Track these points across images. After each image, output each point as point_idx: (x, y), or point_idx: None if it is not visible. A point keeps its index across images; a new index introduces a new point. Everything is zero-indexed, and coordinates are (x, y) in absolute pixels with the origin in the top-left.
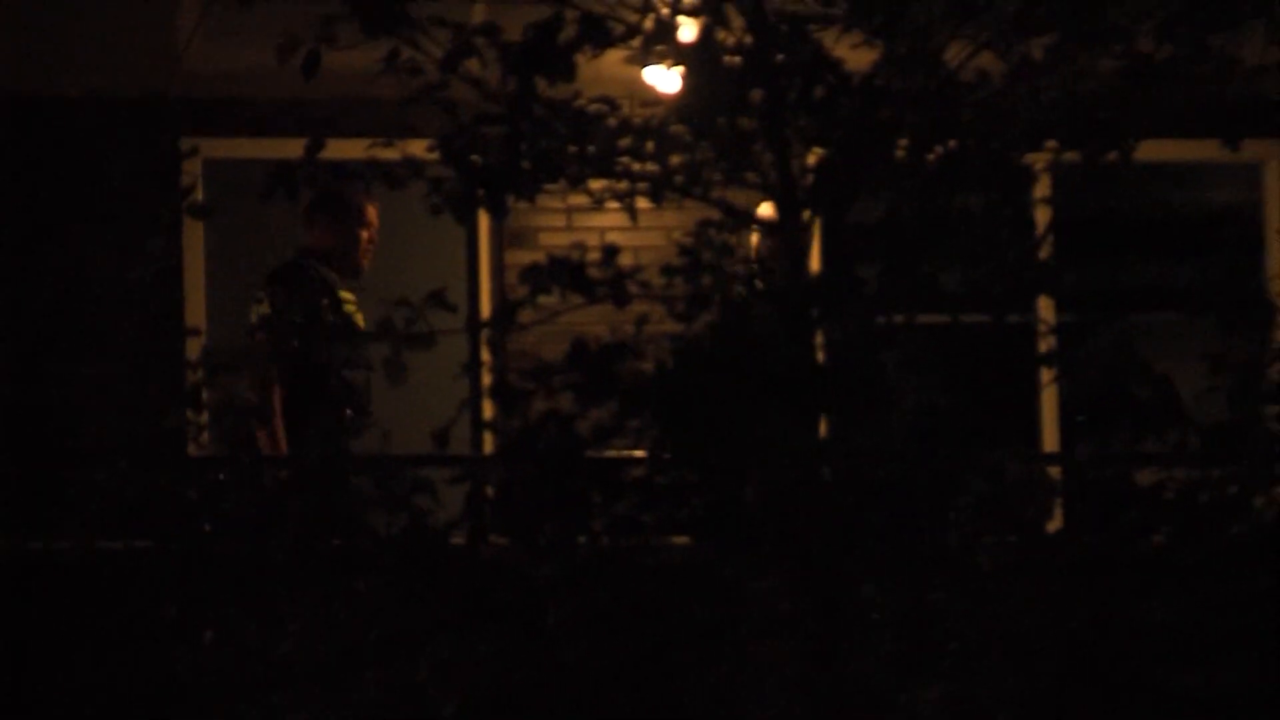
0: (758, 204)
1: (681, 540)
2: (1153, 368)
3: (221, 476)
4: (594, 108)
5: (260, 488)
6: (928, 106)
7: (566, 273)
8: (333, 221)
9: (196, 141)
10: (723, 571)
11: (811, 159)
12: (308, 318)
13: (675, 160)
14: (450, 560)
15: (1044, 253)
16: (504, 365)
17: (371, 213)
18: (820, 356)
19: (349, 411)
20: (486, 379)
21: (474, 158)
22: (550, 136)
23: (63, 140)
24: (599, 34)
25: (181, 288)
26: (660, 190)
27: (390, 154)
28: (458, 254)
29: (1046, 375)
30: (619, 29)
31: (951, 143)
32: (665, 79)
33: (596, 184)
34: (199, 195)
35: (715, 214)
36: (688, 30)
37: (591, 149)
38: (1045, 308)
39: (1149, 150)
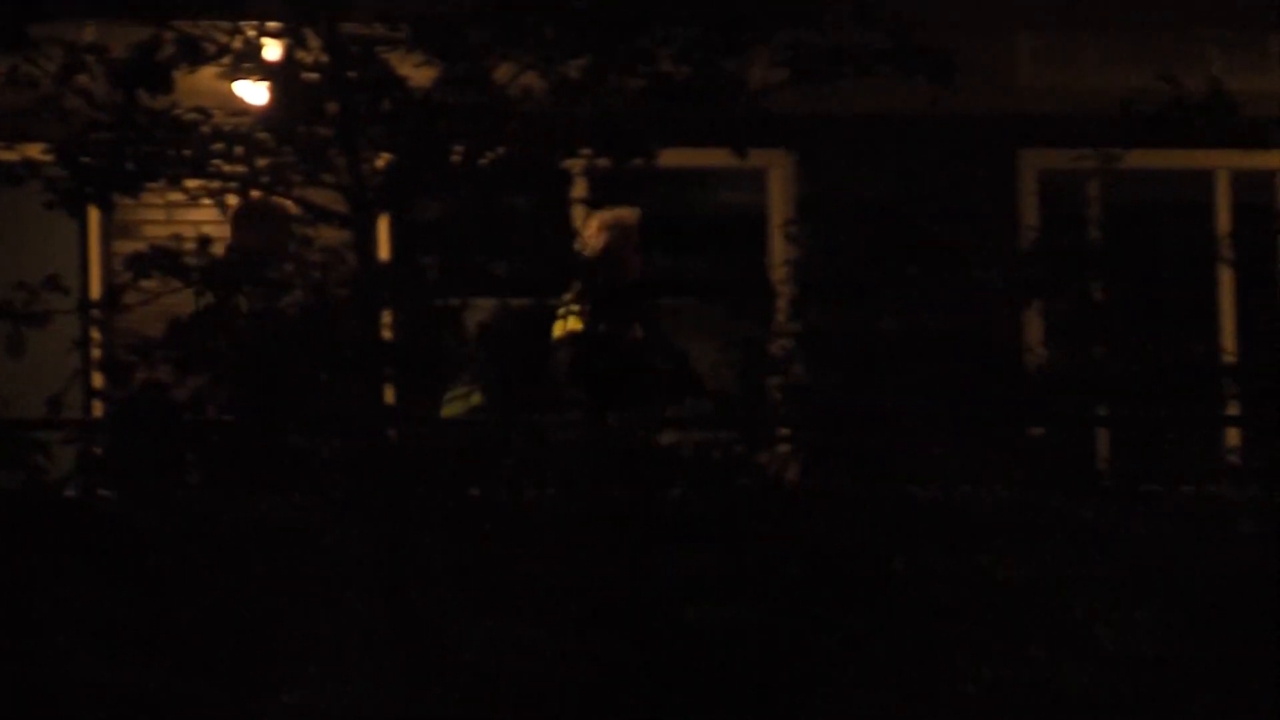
0: (335, 203)
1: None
2: (673, 344)
3: None
4: (190, 116)
5: None
6: (480, 119)
7: (166, 260)
8: None
9: None
10: (305, 522)
11: (380, 163)
12: None
13: (261, 163)
14: (64, 511)
15: (578, 244)
16: (111, 341)
17: None
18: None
19: None
20: (96, 353)
21: (85, 160)
22: (151, 142)
23: None
24: (194, 53)
25: None
26: (248, 188)
27: (10, 156)
28: (70, 244)
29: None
30: (212, 48)
31: (500, 150)
32: (253, 92)
33: (192, 183)
34: None
35: (296, 210)
36: (272, 50)
37: (188, 152)
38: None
39: (670, 157)
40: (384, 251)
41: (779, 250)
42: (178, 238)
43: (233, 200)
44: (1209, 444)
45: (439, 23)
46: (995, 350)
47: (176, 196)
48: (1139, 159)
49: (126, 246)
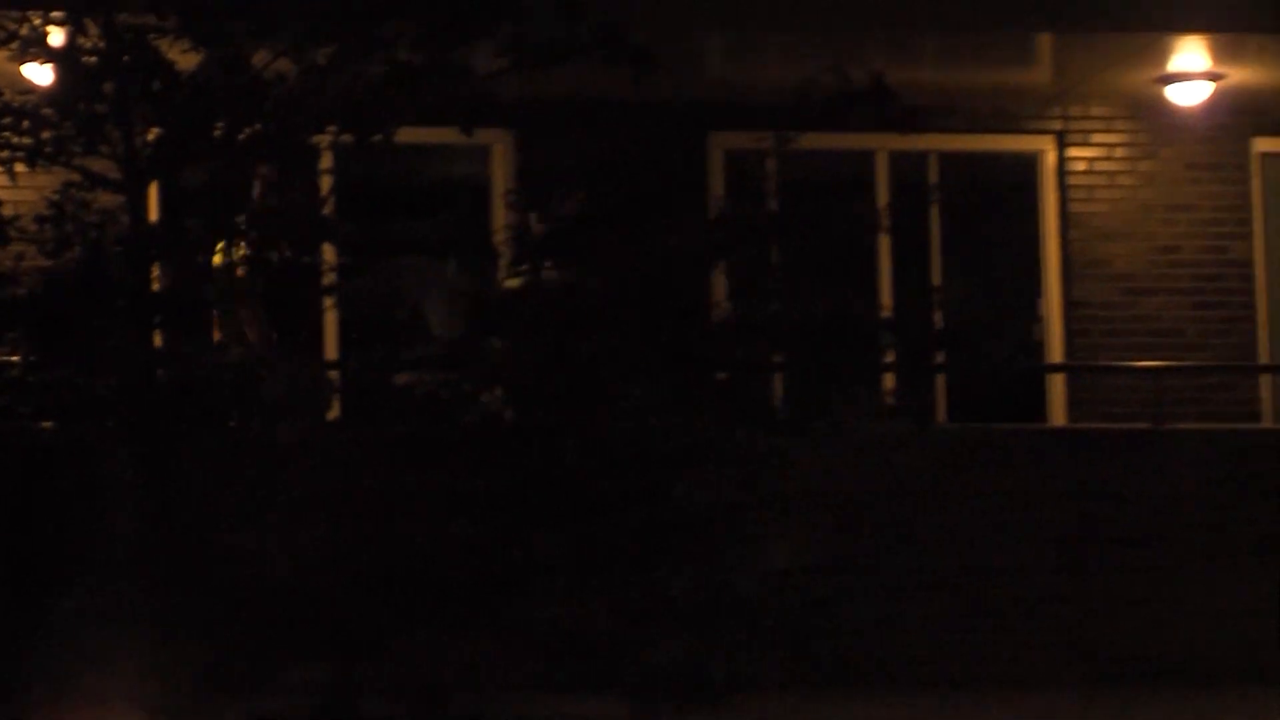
0: (111, 171)
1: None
2: (408, 298)
3: None
4: None
5: None
6: (238, 99)
7: None
8: None
9: None
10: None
11: (151, 136)
12: None
13: (46, 135)
14: None
15: (327, 210)
16: None
17: None
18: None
19: None
20: None
21: None
22: None
23: None
24: None
25: None
26: (34, 158)
27: None
28: None
29: (329, 302)
30: (2, 34)
31: (257, 126)
32: (39, 73)
33: None
34: None
35: (77, 177)
36: (56, 36)
37: None
38: (329, 252)
39: (406, 135)
40: (154, 214)
41: (500, 216)
42: None
43: (21, 168)
44: (869, 386)
45: (203, 14)
46: (687, 305)
47: None
48: (813, 141)
49: None
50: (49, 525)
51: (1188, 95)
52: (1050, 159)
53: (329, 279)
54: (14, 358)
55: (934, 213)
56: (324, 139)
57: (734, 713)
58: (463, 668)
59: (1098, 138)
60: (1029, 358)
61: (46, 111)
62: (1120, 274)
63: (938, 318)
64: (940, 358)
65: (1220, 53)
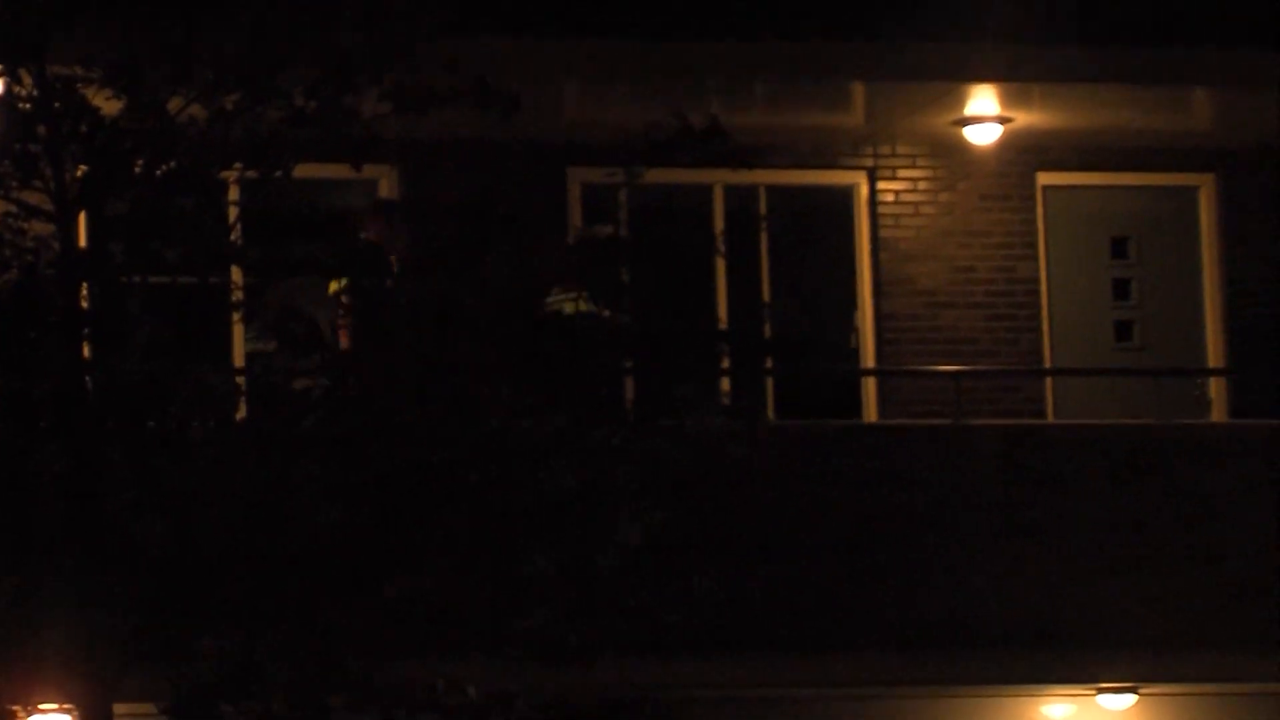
0: (44, 203)
1: None
2: (305, 312)
3: None
4: None
5: None
6: (156, 139)
7: None
8: None
9: None
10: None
11: (79, 173)
12: None
13: None
14: None
15: (234, 236)
16: None
17: None
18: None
19: None
20: None
21: None
22: None
23: None
24: None
25: None
26: None
27: None
28: None
29: (236, 316)
30: None
31: (172, 163)
32: None
33: None
34: None
35: (14, 208)
36: None
37: None
38: (236, 273)
39: (304, 170)
40: (82, 240)
41: None
42: None
43: None
44: (708, 388)
45: (124, 66)
46: (548, 316)
47: None
48: (658, 175)
49: None
50: None
51: (981, 136)
52: (863, 191)
53: (237, 296)
54: None
55: (763, 238)
56: (231, 174)
57: (593, 673)
58: (355, 637)
59: (904, 173)
60: (846, 363)
61: None
62: (923, 290)
63: (767, 329)
64: (769, 363)
65: (1008, 99)
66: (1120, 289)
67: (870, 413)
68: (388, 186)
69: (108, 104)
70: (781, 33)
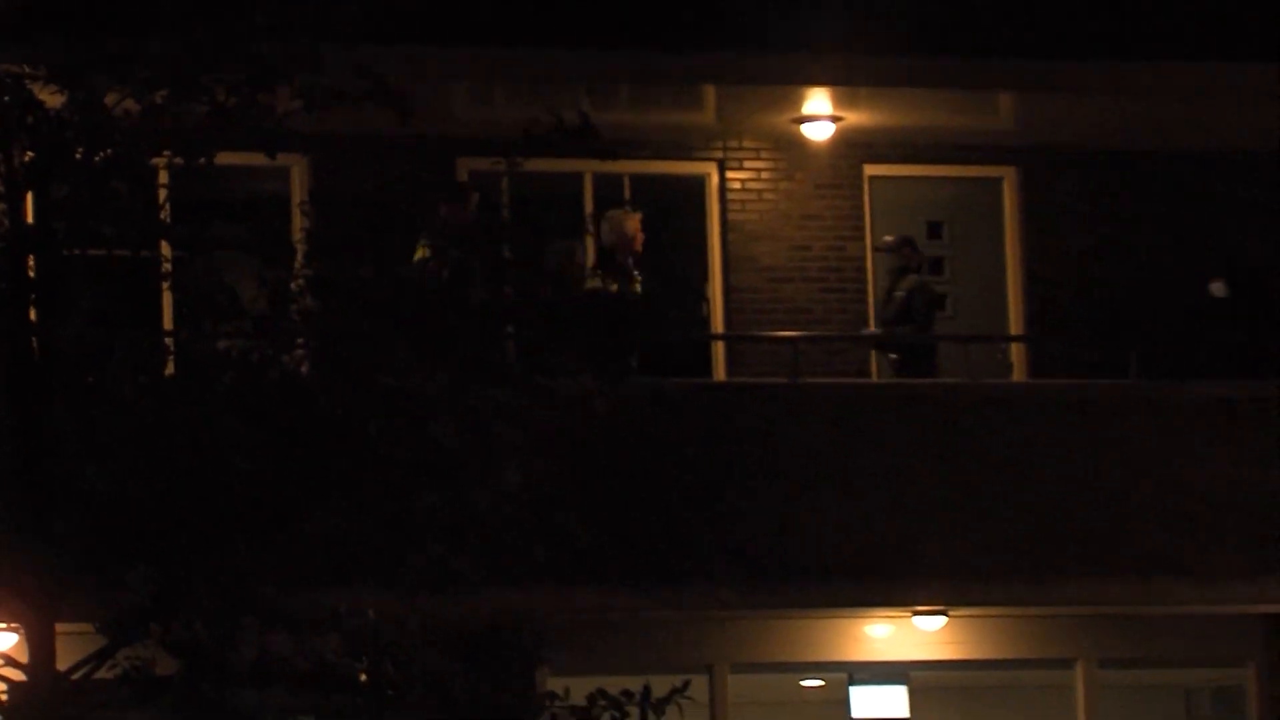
0: None
1: None
2: (226, 283)
3: None
4: None
5: None
6: (95, 130)
7: None
8: None
9: None
10: None
11: (27, 158)
12: None
13: None
14: None
15: (163, 215)
16: None
17: None
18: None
19: None
20: None
21: None
22: None
23: None
24: None
25: None
26: None
27: None
28: None
29: (165, 286)
30: None
31: (109, 151)
32: None
33: None
34: None
35: None
36: None
37: None
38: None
39: (225, 158)
40: (30, 218)
41: (298, 221)
42: None
43: None
44: (579, 352)
45: (67, 65)
46: (446, 293)
47: None
48: (536, 164)
49: None
50: None
51: (816, 132)
52: (714, 180)
53: (165, 268)
54: None
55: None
56: (161, 161)
57: (476, 600)
58: (267, 568)
59: (749, 164)
60: (699, 329)
61: None
62: (766, 267)
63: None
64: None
65: (839, 101)
66: (935, 266)
67: (720, 373)
68: (299, 174)
69: (51, 98)
70: (644, 43)
